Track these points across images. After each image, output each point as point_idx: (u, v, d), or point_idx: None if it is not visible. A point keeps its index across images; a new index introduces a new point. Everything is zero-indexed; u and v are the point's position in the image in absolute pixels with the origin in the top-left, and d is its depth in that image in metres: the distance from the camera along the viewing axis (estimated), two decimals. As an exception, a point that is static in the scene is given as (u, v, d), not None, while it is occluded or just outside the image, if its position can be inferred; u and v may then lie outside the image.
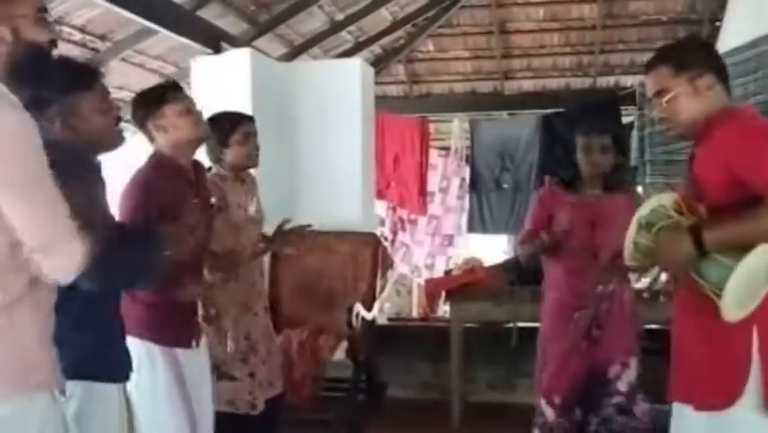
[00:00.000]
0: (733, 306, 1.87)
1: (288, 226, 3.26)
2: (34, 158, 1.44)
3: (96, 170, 2.16)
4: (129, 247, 1.99)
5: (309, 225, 3.30)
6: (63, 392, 1.65)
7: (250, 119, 3.24)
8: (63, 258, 1.48)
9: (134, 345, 2.44)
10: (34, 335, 1.54)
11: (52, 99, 1.92)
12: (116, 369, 2.18)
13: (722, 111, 2.02)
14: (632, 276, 3.34)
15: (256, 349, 3.17)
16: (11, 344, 1.50)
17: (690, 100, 2.05)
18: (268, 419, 3.29)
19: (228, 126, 3.12)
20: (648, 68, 2.14)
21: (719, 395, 1.97)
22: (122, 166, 2.70)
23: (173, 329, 2.66)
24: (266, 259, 3.63)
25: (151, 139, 2.68)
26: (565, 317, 3.45)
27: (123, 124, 2.26)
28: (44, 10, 1.59)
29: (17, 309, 1.50)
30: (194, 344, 2.75)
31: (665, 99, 2.07)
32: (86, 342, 2.01)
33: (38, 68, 1.58)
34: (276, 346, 3.41)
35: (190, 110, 2.66)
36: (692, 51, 2.12)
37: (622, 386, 3.42)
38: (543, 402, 3.53)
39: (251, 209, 3.25)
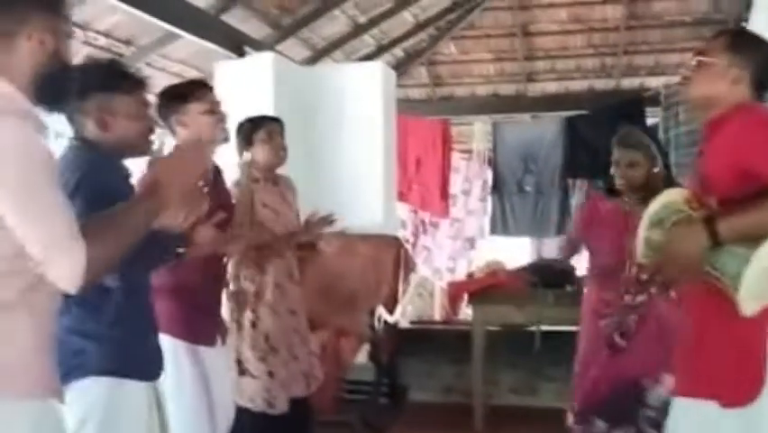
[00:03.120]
0: (749, 298, 1.82)
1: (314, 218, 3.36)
2: (33, 171, 1.45)
3: (120, 169, 2.21)
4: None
5: (332, 215, 3.39)
6: (61, 400, 1.64)
7: (274, 120, 3.36)
8: (63, 270, 1.47)
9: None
10: (27, 340, 1.53)
11: (90, 94, 2.06)
12: (147, 367, 2.19)
13: (734, 107, 2.00)
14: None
15: (275, 349, 3.21)
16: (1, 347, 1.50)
17: (714, 79, 2.04)
18: (293, 420, 3.32)
19: (251, 126, 3.28)
20: (714, 35, 2.16)
21: (742, 391, 1.94)
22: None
23: (198, 326, 2.71)
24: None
25: (173, 133, 2.75)
26: (592, 324, 3.40)
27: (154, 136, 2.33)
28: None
29: (11, 314, 1.50)
30: (218, 341, 2.80)
31: (699, 61, 2.07)
32: (119, 339, 2.06)
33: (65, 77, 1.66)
34: (305, 349, 3.40)
35: (214, 111, 2.74)
36: (753, 46, 2.08)
37: (653, 401, 3.20)
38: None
39: (286, 212, 3.35)
